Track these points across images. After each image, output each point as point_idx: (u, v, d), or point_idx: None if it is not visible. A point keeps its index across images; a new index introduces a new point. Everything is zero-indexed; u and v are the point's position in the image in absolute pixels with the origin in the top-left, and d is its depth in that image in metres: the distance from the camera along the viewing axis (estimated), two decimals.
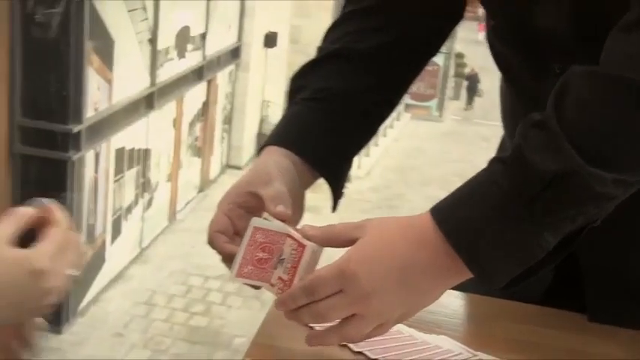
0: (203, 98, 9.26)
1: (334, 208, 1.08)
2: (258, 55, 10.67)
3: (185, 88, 8.36)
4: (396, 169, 13.09)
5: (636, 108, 0.75)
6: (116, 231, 7.01)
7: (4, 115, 5.23)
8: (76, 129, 5.65)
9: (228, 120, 10.47)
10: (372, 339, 0.81)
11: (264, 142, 1.00)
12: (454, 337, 0.99)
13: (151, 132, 7.47)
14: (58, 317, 5.85)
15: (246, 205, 0.95)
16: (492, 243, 0.83)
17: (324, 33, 1.08)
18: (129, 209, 7.28)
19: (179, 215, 8.73)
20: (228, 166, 10.44)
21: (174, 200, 8.60)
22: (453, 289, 0.90)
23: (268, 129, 9.22)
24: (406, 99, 15.54)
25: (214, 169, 10.14)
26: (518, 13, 0.99)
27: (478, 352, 0.97)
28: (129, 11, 6.60)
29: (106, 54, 6.16)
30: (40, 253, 0.88)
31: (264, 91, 11.14)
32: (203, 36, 8.73)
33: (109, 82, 6.29)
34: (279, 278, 0.88)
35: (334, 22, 1.08)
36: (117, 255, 7.03)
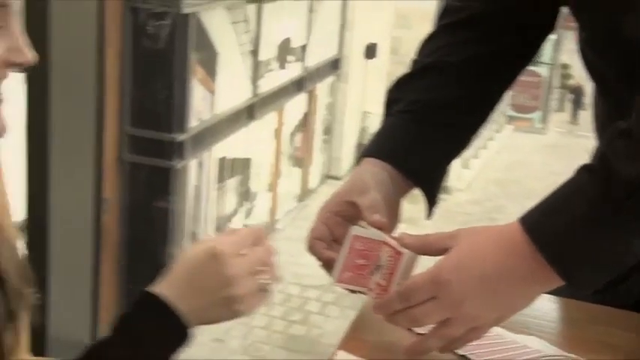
0: (303, 109, 9.35)
1: (429, 216, 1.09)
2: (358, 66, 10.70)
3: (286, 99, 8.46)
4: (497, 182, 12.87)
5: None
6: None
7: (115, 124, 5.43)
8: (180, 138, 5.81)
9: (328, 131, 10.53)
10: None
11: (361, 154, 1.04)
12: (543, 338, 0.98)
13: (252, 142, 7.60)
14: None
15: (343, 213, 1.00)
16: (581, 250, 0.81)
17: (419, 46, 1.10)
18: (230, 218, 7.42)
19: (278, 224, 8.82)
20: (327, 177, 10.50)
21: (274, 209, 8.71)
22: (547, 292, 0.92)
23: (368, 140, 9.20)
24: (508, 111, 15.26)
25: (314, 179, 10.21)
26: (606, 25, 0.97)
27: (569, 354, 0.96)
28: (232, 23, 6.74)
29: (210, 65, 6.31)
30: (224, 240, 0.91)
31: (364, 102, 11.16)
32: (304, 48, 8.82)
33: (212, 92, 6.44)
34: (377, 284, 0.93)
35: (428, 35, 1.12)
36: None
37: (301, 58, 8.84)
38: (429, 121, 1.05)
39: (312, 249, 0.97)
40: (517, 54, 1.10)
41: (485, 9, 1.04)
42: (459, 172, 10.80)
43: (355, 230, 0.92)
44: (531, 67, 14.77)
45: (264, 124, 7.93)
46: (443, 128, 1.05)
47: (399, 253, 0.92)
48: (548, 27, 1.09)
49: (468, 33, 1.08)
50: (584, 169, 0.86)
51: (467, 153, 12.18)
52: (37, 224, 1.42)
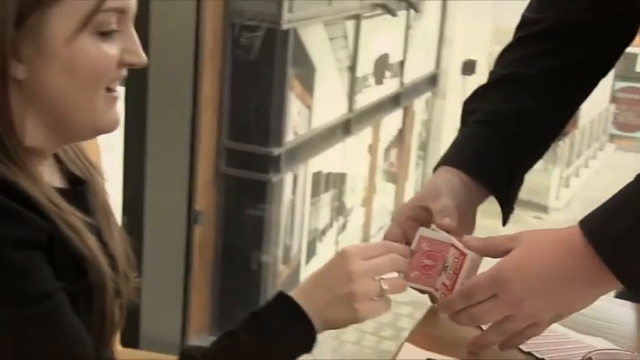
0: (399, 125, 9.31)
1: (504, 223, 1.11)
2: (455, 82, 10.60)
3: (382, 115, 8.46)
4: (596, 202, 12.46)
5: None
6: (311, 252, 7.19)
7: (213, 137, 5.54)
8: (276, 152, 5.87)
9: (423, 147, 10.46)
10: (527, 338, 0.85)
11: (438, 162, 1.07)
12: (610, 339, 0.97)
13: (347, 157, 7.61)
14: None
15: (417, 217, 1.06)
16: (637, 252, 0.87)
17: (496, 58, 1.12)
18: (323, 232, 7.44)
19: (372, 240, 8.80)
20: None
21: (367, 225, 8.69)
22: (619, 297, 0.96)
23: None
24: (611, 129, 14.80)
25: (408, 195, 10.15)
26: None
27: (636, 354, 0.94)
28: (330, 39, 6.79)
29: (307, 80, 6.37)
30: (355, 245, 0.99)
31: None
32: (401, 63, 8.80)
33: (309, 107, 6.49)
34: (443, 284, 0.96)
35: (505, 47, 1.14)
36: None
37: (398, 74, 8.82)
38: (503, 131, 1.06)
39: None
40: (592, 66, 1.12)
41: (561, 21, 1.07)
42: (558, 190, 10.53)
43: (422, 231, 1.00)
44: (636, 84, 14.28)
45: (360, 140, 7.94)
46: (518, 137, 1.09)
47: (463, 254, 0.97)
48: (625, 40, 1.10)
49: (543, 45, 1.11)
50: (636, 178, 0.90)
51: (567, 171, 11.82)
52: (131, 231, 1.48)
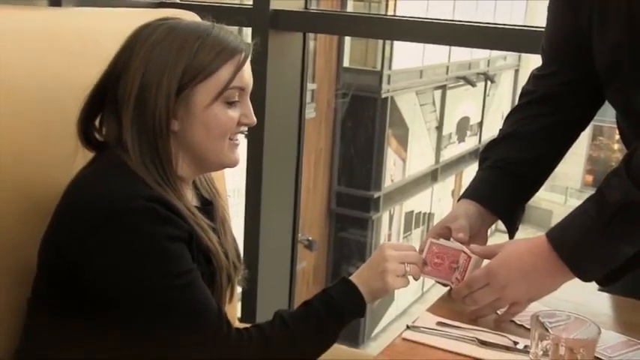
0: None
1: (510, 239, 1.23)
2: None
3: (464, 166, 8.37)
4: None
5: None
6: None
7: (327, 183, 5.64)
8: (376, 195, 5.92)
9: None
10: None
11: (460, 196, 1.19)
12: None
13: (434, 200, 7.56)
14: (356, 338, 6.05)
15: (441, 234, 1.19)
16: (587, 253, 1.01)
17: (505, 118, 1.24)
18: None
19: None
20: (497, 230, 10.15)
21: None
22: (601, 290, 1.17)
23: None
24: None
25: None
26: (623, 97, 1.14)
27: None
28: (421, 105, 6.83)
29: (402, 138, 6.42)
30: (391, 245, 1.15)
31: None
32: (480, 124, 8.71)
33: (403, 160, 6.53)
34: (456, 278, 1.13)
35: (510, 111, 1.30)
36: (403, 296, 7.14)
37: (477, 133, 8.73)
38: (509, 174, 1.20)
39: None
40: (577, 122, 1.23)
41: (550, 92, 1.19)
42: None
43: (432, 240, 1.14)
44: None
45: (445, 186, 7.88)
46: (519, 177, 1.20)
47: (469, 257, 1.13)
48: (597, 103, 1.22)
49: (538, 109, 1.23)
50: (588, 199, 1.04)
51: None
52: (249, 260, 1.56)
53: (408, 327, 1.03)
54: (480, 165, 1.23)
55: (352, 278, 1.11)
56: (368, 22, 2.11)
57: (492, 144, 1.23)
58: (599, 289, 1.21)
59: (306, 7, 2.01)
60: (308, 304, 1.07)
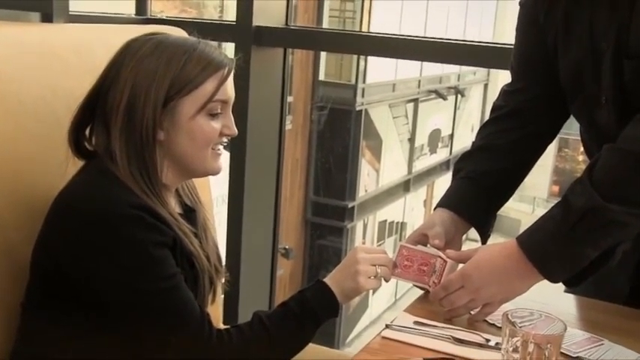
0: (449, 185, 9.27)
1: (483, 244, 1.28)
2: None
3: (435, 177, 8.46)
4: None
5: (635, 169, 1.01)
6: None
7: (302, 193, 5.66)
8: (350, 205, 5.97)
9: None
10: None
11: (436, 206, 1.24)
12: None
13: (406, 209, 7.63)
14: (331, 344, 6.07)
15: (419, 240, 1.22)
16: (553, 255, 1.05)
17: (477, 132, 1.31)
18: None
19: None
20: (467, 239, 10.27)
21: None
22: (567, 291, 1.22)
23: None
24: None
25: None
26: (586, 113, 1.20)
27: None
28: (394, 118, 6.91)
29: (376, 149, 6.48)
30: (363, 248, 1.18)
31: None
32: (451, 136, 8.83)
33: (377, 170, 6.59)
34: (433, 282, 1.15)
35: (483, 124, 1.38)
36: (377, 303, 7.18)
37: (448, 145, 8.84)
38: (481, 184, 1.26)
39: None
40: (542, 137, 1.30)
41: (518, 108, 1.26)
42: None
43: (402, 244, 1.19)
44: None
45: (417, 196, 7.97)
46: (490, 187, 1.26)
47: (445, 262, 1.16)
48: (562, 117, 1.30)
49: (509, 122, 1.30)
50: (554, 205, 1.08)
51: None
52: (231, 265, 1.59)
53: (387, 326, 1.08)
54: (454, 175, 1.29)
55: (326, 280, 1.14)
56: (346, 38, 2.16)
57: (466, 155, 1.29)
58: (565, 291, 1.27)
59: (286, 24, 2.06)
60: (285, 305, 1.11)
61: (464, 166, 1.30)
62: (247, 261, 2.01)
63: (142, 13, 2.14)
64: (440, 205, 1.28)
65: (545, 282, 1.07)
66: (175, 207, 1.16)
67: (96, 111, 1.05)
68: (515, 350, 0.91)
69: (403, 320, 1.09)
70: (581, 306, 1.24)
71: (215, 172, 1.16)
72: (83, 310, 1.00)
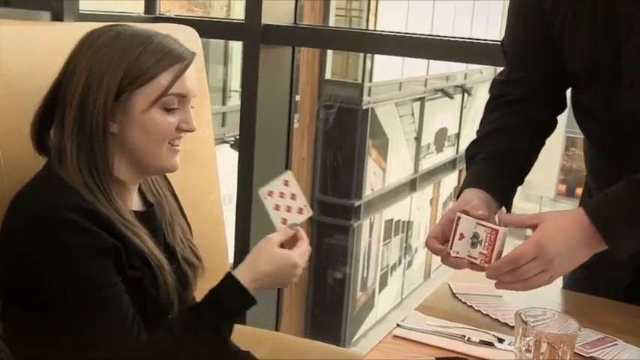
0: (455, 183, 9.26)
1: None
2: None
3: (441, 175, 8.46)
4: None
5: None
6: (383, 283, 7.19)
7: (309, 192, 5.66)
8: (357, 203, 5.96)
9: None
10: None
11: (461, 187, 1.23)
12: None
13: (413, 208, 7.62)
14: (337, 343, 6.06)
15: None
16: (623, 230, 1.06)
17: (480, 121, 1.31)
18: (393, 267, 7.44)
19: (433, 274, 8.70)
20: None
21: (429, 262, 8.61)
22: (565, 287, 1.26)
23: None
24: None
25: None
26: (604, 98, 1.17)
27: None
28: (400, 117, 6.89)
29: (382, 148, 6.47)
30: (296, 253, 1.16)
31: None
32: (457, 135, 8.81)
33: (383, 169, 6.58)
34: (480, 253, 1.11)
35: (485, 113, 1.35)
36: (383, 302, 7.17)
37: (455, 144, 8.81)
38: (505, 163, 1.27)
39: (428, 244, 1.17)
40: (547, 124, 1.31)
41: (523, 96, 1.28)
42: None
43: (459, 214, 1.13)
44: None
45: (424, 195, 7.95)
46: (510, 165, 1.28)
47: (496, 230, 1.10)
48: (562, 105, 1.32)
49: (514, 108, 1.31)
50: (623, 182, 1.08)
51: None
52: (239, 263, 1.59)
53: (398, 325, 1.07)
54: (471, 160, 1.30)
55: (249, 282, 1.12)
56: (354, 36, 2.16)
57: (479, 140, 1.30)
58: (563, 287, 1.28)
59: (295, 22, 2.05)
60: (193, 307, 1.11)
61: (481, 149, 1.31)
62: None
63: (151, 12, 2.14)
64: (467, 186, 1.25)
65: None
66: (134, 204, 1.15)
67: (56, 104, 1.04)
68: (528, 350, 0.90)
69: (414, 319, 1.09)
70: (594, 305, 1.23)
71: (171, 169, 1.13)
72: (33, 312, 1.00)
